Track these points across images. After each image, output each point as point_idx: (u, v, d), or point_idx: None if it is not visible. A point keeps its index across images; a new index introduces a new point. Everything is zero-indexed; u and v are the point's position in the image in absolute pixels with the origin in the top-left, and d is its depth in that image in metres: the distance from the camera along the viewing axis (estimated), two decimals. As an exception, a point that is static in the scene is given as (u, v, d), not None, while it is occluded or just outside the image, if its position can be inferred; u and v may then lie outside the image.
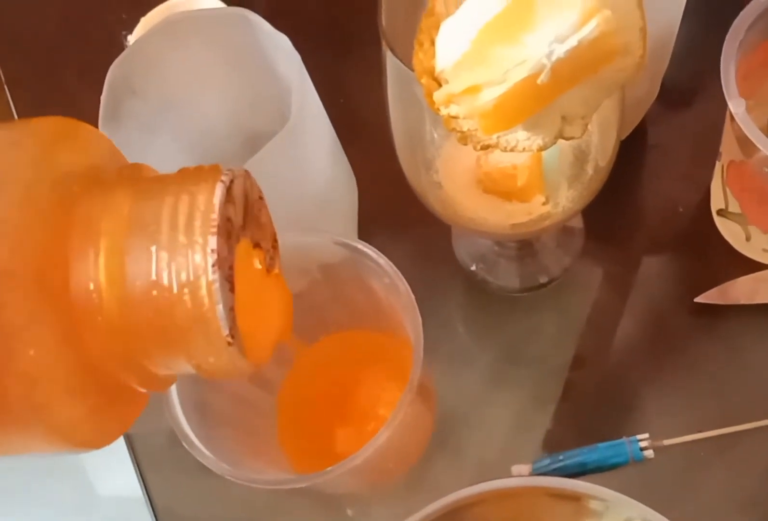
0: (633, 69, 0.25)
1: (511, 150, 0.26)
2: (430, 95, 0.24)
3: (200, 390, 0.31)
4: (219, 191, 0.19)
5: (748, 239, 0.39)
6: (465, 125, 0.24)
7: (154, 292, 0.19)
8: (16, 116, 0.48)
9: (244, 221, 0.21)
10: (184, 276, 0.18)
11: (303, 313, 0.35)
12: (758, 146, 0.31)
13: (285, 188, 0.34)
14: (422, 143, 0.34)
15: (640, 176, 0.44)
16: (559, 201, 0.35)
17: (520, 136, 0.26)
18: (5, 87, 0.49)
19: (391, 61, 0.26)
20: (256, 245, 0.22)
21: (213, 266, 0.18)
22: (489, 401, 0.41)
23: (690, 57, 0.46)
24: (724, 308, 0.40)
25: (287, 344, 0.28)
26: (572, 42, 0.21)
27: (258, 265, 0.22)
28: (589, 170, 0.35)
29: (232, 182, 0.20)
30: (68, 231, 0.19)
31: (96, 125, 0.33)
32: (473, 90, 0.22)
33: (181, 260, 0.18)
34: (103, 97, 0.31)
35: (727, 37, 0.33)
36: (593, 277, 0.43)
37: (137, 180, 0.20)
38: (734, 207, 0.38)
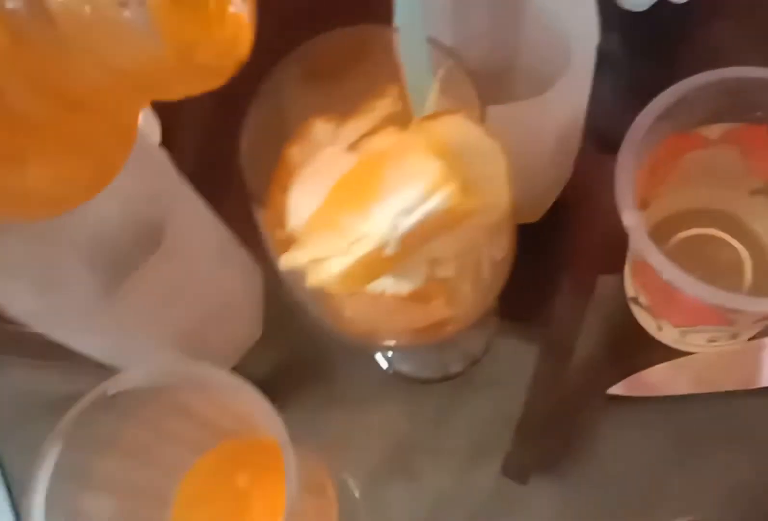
0: (501, 215, 0.24)
1: (381, 294, 0.25)
2: (282, 250, 0.22)
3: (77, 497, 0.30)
4: None
5: (660, 329, 0.39)
6: (323, 279, 0.23)
7: None
8: None
9: None
10: None
11: (193, 425, 0.34)
12: (650, 261, 0.30)
13: (166, 305, 0.32)
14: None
15: (554, 256, 0.44)
16: (460, 303, 0.34)
17: (387, 282, 0.24)
18: None
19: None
20: None
21: None
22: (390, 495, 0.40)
23: (605, 130, 0.45)
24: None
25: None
26: (417, 215, 0.20)
27: None
28: (485, 270, 0.33)
29: None
30: None
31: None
32: (319, 261, 0.21)
33: None
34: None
35: (622, 147, 0.32)
36: (508, 362, 0.42)
37: None
38: (644, 300, 0.38)
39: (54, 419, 0.42)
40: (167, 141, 0.44)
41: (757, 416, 0.40)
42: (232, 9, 0.19)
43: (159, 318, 0.33)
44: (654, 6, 0.46)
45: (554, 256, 0.44)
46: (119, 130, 0.19)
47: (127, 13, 0.15)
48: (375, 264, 0.21)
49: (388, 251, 0.20)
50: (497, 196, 0.24)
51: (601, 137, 0.45)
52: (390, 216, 0.20)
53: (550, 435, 0.40)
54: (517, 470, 0.40)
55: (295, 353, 0.41)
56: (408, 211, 0.20)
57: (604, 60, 0.48)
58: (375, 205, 0.20)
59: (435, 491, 0.40)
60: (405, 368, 0.41)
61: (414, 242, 0.21)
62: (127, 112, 0.19)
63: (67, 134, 0.18)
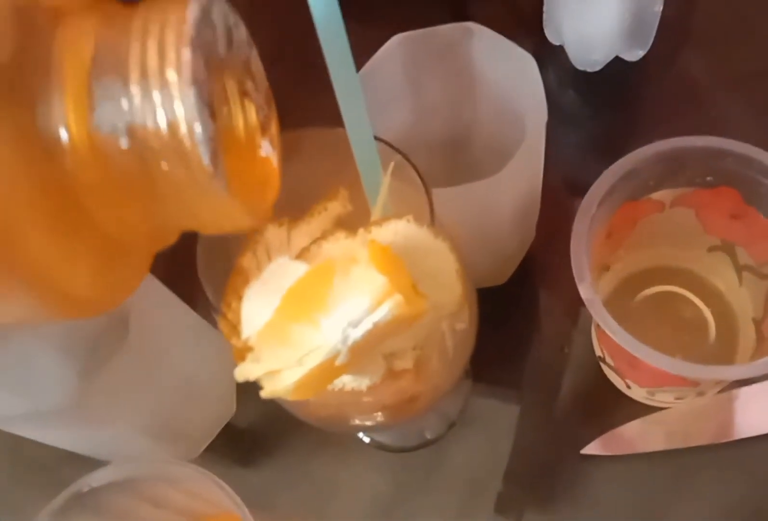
0: (456, 307, 0.25)
1: (340, 390, 0.25)
2: (239, 358, 0.23)
3: None
4: (194, 5, 0.18)
5: (628, 387, 0.39)
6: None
7: (125, 119, 0.17)
8: None
9: (228, 56, 0.19)
10: (157, 97, 0.17)
11: (168, 513, 0.34)
12: (609, 333, 0.31)
13: (140, 392, 0.33)
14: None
15: (524, 315, 0.44)
16: (429, 376, 0.34)
17: (345, 379, 0.25)
18: None
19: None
20: (245, 94, 0.20)
21: (189, 82, 0.17)
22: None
23: (567, 182, 0.46)
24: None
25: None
26: (366, 325, 0.21)
27: (247, 115, 0.21)
28: (450, 343, 0.34)
29: (210, 4, 0.18)
30: (29, 65, 0.17)
31: None
32: (272, 373, 0.21)
33: (153, 81, 0.17)
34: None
35: (575, 223, 0.33)
36: (484, 423, 0.42)
37: (104, 9, 0.19)
38: (610, 361, 0.38)
39: (44, 481, 0.43)
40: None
41: (734, 467, 0.40)
42: (262, 153, 0.21)
43: (133, 406, 0.34)
44: (608, 65, 0.47)
45: (524, 315, 0.44)
46: (155, 246, 0.21)
47: (214, 181, 0.18)
48: (328, 372, 0.22)
49: (340, 360, 0.21)
50: (448, 291, 0.24)
51: (565, 187, 0.46)
52: (339, 328, 0.21)
53: (539, 481, 0.41)
54: (510, 508, 0.40)
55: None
56: (356, 322, 0.21)
57: (563, 117, 0.49)
58: (324, 317, 0.21)
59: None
60: (383, 438, 0.42)
61: (366, 348, 0.22)
62: (167, 235, 0.21)
63: (125, 248, 0.20)
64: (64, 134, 0.17)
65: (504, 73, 0.35)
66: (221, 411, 0.39)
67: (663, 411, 0.40)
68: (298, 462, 0.42)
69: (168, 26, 0.17)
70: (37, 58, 0.18)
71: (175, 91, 0.17)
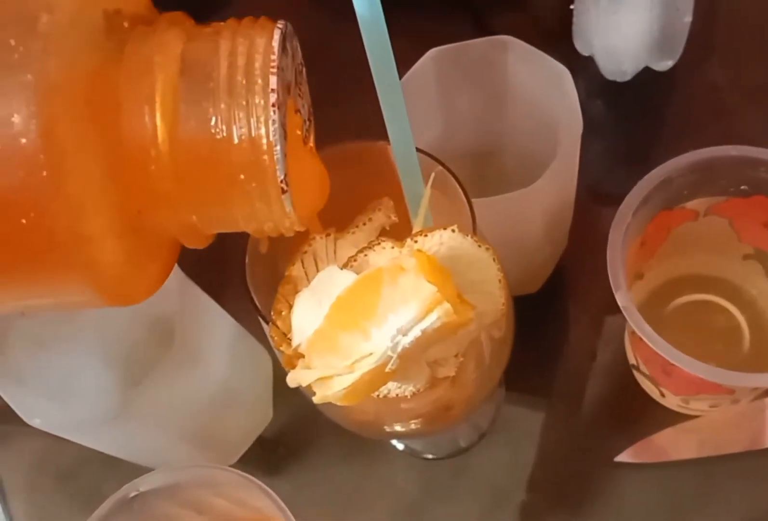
0: (498, 315, 0.25)
1: (385, 396, 0.26)
2: (289, 365, 0.23)
3: None
4: (277, 35, 0.19)
5: (662, 395, 0.39)
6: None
7: (210, 132, 0.18)
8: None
9: (292, 77, 0.21)
10: (242, 116, 0.18)
11: (210, 518, 0.34)
12: (646, 340, 0.31)
13: (181, 400, 0.33)
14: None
15: (556, 324, 0.44)
16: (466, 383, 0.35)
17: (391, 386, 0.25)
18: None
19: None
20: (296, 111, 0.21)
21: (273, 106, 0.18)
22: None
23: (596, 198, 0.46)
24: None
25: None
26: (415, 333, 0.21)
27: (297, 131, 0.22)
28: (487, 351, 0.34)
29: (286, 33, 0.20)
30: (118, 64, 0.19)
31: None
32: (324, 379, 0.22)
33: (239, 101, 0.18)
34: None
35: (611, 232, 0.33)
36: (515, 431, 0.43)
37: (185, 24, 0.20)
38: (644, 368, 0.38)
39: (63, 487, 0.43)
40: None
41: (767, 475, 0.40)
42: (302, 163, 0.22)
43: (174, 413, 0.34)
44: (637, 75, 0.47)
45: (555, 323, 0.45)
46: (193, 245, 0.22)
47: (284, 194, 0.19)
48: (377, 379, 0.22)
49: (391, 366, 0.21)
50: (492, 300, 0.25)
51: (594, 196, 0.47)
52: (389, 335, 0.21)
53: (569, 489, 0.41)
54: (537, 517, 0.41)
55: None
56: (406, 330, 0.21)
57: (592, 127, 0.50)
58: (373, 324, 0.21)
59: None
60: (416, 445, 0.42)
61: (413, 354, 0.22)
62: (209, 236, 0.22)
63: (168, 245, 0.22)
64: (149, 142, 0.18)
65: (538, 86, 0.35)
66: (258, 417, 0.39)
67: (696, 419, 0.40)
68: (330, 469, 0.42)
69: (255, 51, 0.19)
70: (127, 68, 0.19)
71: (260, 113, 0.18)
